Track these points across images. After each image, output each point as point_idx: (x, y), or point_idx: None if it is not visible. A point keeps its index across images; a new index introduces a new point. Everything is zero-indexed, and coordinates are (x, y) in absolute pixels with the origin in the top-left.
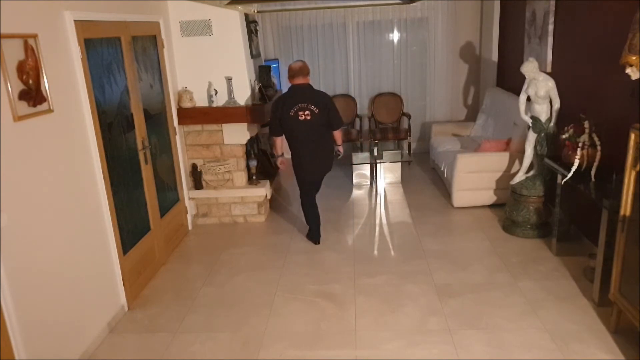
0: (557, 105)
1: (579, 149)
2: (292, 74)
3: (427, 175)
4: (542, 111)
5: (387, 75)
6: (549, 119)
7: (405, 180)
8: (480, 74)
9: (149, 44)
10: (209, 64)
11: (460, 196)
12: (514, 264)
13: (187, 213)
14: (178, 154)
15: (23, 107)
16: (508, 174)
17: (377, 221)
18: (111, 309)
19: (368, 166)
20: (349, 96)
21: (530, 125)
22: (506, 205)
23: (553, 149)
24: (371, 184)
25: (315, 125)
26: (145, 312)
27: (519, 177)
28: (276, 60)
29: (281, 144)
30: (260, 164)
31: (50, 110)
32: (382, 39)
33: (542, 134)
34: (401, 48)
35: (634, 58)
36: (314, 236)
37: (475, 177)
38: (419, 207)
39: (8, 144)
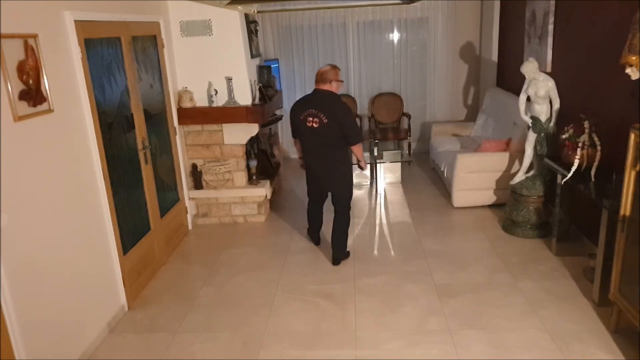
0: (557, 105)
1: (579, 149)
2: (317, 78)
3: (427, 175)
4: (542, 111)
5: (387, 75)
6: (549, 119)
7: (405, 180)
8: (480, 74)
9: (149, 44)
10: (209, 64)
11: (460, 196)
12: (514, 264)
13: (187, 213)
14: (178, 154)
15: (23, 107)
16: (508, 174)
17: (377, 221)
18: (111, 309)
19: (368, 166)
20: (349, 96)
21: (530, 125)
22: (506, 205)
23: (553, 149)
24: (371, 184)
25: (323, 135)
26: (145, 312)
27: (519, 177)
28: (276, 60)
29: (300, 147)
30: (260, 164)
31: (50, 110)
32: (382, 39)
33: (542, 134)
34: (401, 48)
35: (634, 58)
36: (311, 235)
37: (475, 177)
38: (419, 207)
39: (8, 144)
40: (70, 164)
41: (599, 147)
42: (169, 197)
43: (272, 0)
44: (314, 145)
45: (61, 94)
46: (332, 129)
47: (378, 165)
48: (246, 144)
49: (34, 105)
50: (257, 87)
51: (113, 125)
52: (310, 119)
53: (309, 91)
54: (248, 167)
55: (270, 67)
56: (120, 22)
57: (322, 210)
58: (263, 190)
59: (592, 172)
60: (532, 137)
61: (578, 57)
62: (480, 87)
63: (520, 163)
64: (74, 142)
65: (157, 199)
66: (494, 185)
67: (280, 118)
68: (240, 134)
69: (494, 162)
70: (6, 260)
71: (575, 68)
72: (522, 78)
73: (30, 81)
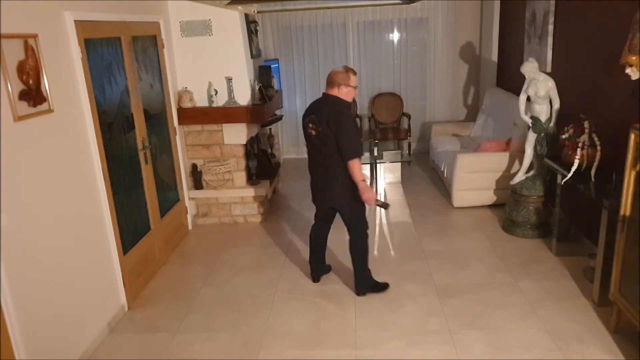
0: (557, 105)
1: (579, 149)
2: (326, 81)
3: (427, 175)
4: (542, 111)
5: (387, 75)
6: (549, 119)
7: (405, 180)
8: (480, 74)
9: (149, 44)
10: (209, 64)
11: (460, 196)
12: (514, 264)
13: (187, 213)
14: (178, 154)
15: (23, 107)
16: (508, 174)
17: (377, 221)
18: (111, 309)
19: (368, 166)
20: None
21: (530, 125)
22: (506, 205)
23: (553, 149)
24: (371, 184)
25: (322, 144)
26: (145, 312)
27: (519, 177)
28: (276, 60)
29: None
30: (260, 164)
31: (50, 110)
32: (382, 39)
33: (542, 134)
34: (401, 48)
35: (634, 58)
36: (311, 268)
37: (475, 177)
38: (419, 207)
39: (8, 144)
40: (70, 164)
41: (599, 147)
42: (169, 197)
43: (272, 0)
44: (314, 155)
45: (61, 94)
46: (327, 138)
47: (378, 165)
48: (246, 144)
49: (34, 105)
50: (257, 87)
51: (113, 125)
52: (311, 125)
53: (309, 91)
54: (248, 167)
55: (270, 67)
56: (120, 22)
57: (326, 232)
58: (263, 190)
59: (592, 172)
60: (532, 137)
61: (578, 57)
62: (480, 87)
63: (520, 163)
64: (74, 142)
65: (157, 199)
66: (494, 185)
67: (280, 118)
68: (240, 134)
69: (494, 162)
70: (6, 260)
71: (575, 68)
72: (522, 78)
73: (30, 81)
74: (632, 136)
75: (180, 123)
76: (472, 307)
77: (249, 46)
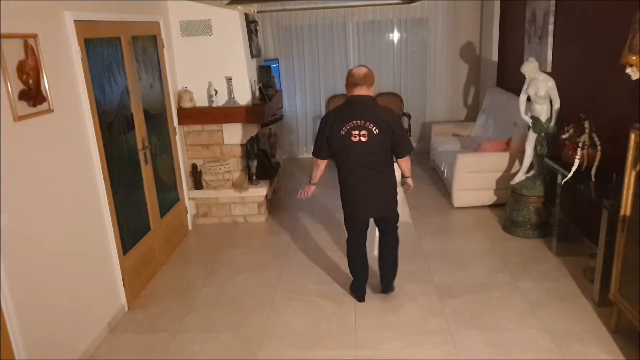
0: (557, 105)
1: (579, 149)
2: (353, 81)
3: (427, 175)
4: (542, 111)
5: (387, 75)
6: (549, 119)
7: None
8: (480, 74)
9: (149, 44)
10: (209, 64)
11: (460, 196)
12: (514, 264)
13: (187, 213)
14: (178, 154)
15: (23, 107)
16: (508, 174)
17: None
18: (111, 309)
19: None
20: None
21: (531, 125)
22: (506, 205)
23: (553, 149)
24: None
25: (374, 149)
26: (145, 312)
27: (519, 177)
28: (276, 60)
29: (322, 170)
30: (260, 164)
31: (50, 110)
32: (382, 39)
33: (542, 134)
34: (401, 48)
35: (634, 58)
36: (357, 290)
37: (475, 177)
38: (419, 207)
39: (8, 144)
40: (70, 164)
41: (599, 147)
42: (169, 197)
43: (272, 0)
44: (361, 164)
45: (61, 94)
46: (384, 141)
47: None
48: (246, 144)
49: (34, 105)
50: (257, 87)
51: (113, 125)
52: (357, 132)
53: (309, 91)
54: (248, 167)
55: (270, 67)
56: (120, 22)
57: (366, 247)
58: (263, 190)
59: (592, 172)
60: (532, 137)
61: (578, 57)
62: (480, 87)
63: (521, 163)
64: (73, 142)
65: (157, 199)
66: (494, 185)
67: (280, 118)
68: (240, 134)
69: (494, 162)
70: (6, 260)
71: (575, 68)
72: (522, 78)
73: (30, 81)
74: (632, 136)
75: (180, 123)
76: (472, 307)
77: (249, 46)
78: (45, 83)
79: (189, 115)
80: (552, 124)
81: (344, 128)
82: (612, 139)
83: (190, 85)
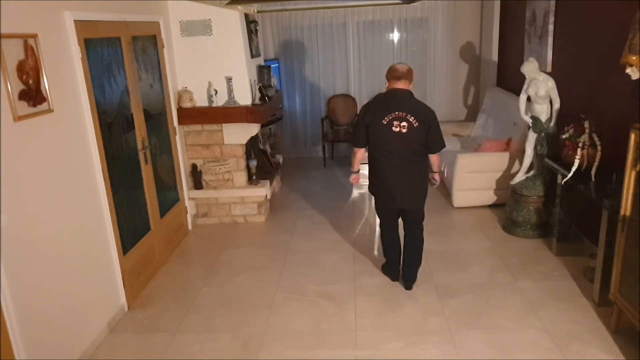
0: (557, 105)
1: (579, 149)
2: (397, 75)
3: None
4: (542, 111)
5: None
6: (549, 119)
7: None
8: (480, 74)
9: (149, 44)
10: (209, 64)
11: (460, 196)
12: (514, 264)
13: (187, 213)
14: (178, 154)
15: (23, 107)
16: (508, 174)
17: (377, 221)
18: (111, 309)
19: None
20: (349, 96)
21: (531, 125)
22: (506, 205)
23: (553, 149)
24: None
25: (411, 141)
26: (145, 312)
27: (519, 177)
28: (276, 60)
29: (361, 158)
30: (260, 164)
31: (50, 110)
32: (382, 39)
33: (542, 134)
34: (401, 48)
35: (634, 58)
36: (390, 271)
37: (475, 177)
38: None
39: (8, 144)
40: (70, 164)
41: (599, 147)
42: (168, 197)
43: (272, 0)
44: (398, 154)
45: (61, 94)
46: (420, 134)
47: None
48: (246, 144)
49: (34, 105)
50: (257, 87)
51: (113, 125)
52: (397, 122)
53: (309, 91)
54: (248, 167)
55: (270, 67)
56: (120, 22)
57: (398, 233)
58: (263, 190)
59: (592, 172)
60: (532, 137)
61: (578, 57)
62: (480, 87)
63: (521, 163)
64: (73, 142)
65: (157, 199)
66: (494, 185)
67: (280, 118)
68: (240, 134)
69: (494, 162)
70: (6, 260)
71: (575, 68)
72: (522, 78)
73: (30, 81)
74: (632, 136)
75: (180, 123)
76: (472, 307)
77: (248, 46)
78: (45, 83)
79: (189, 115)
80: (552, 124)
81: (386, 118)
82: (612, 139)
83: (190, 85)
